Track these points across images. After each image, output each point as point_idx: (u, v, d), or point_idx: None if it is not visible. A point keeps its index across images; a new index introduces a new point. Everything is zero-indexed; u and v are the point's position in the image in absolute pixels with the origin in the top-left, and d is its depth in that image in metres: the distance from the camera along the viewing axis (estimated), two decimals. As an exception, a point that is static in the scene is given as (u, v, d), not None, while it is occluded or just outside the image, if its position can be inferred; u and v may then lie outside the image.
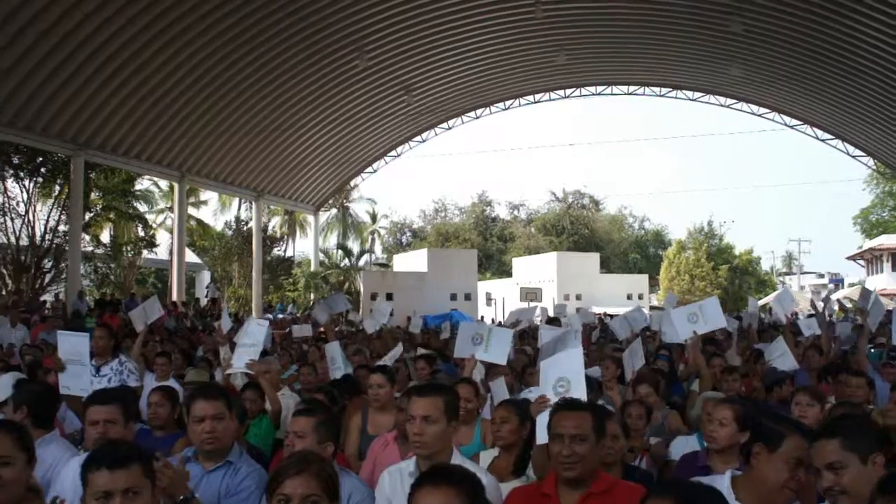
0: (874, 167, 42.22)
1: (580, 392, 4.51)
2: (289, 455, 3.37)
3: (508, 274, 58.55)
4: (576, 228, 71.16)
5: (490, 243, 72.72)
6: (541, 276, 49.22)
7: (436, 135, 41.73)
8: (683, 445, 5.60)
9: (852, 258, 59.73)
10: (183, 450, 4.46)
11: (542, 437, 4.55)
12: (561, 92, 39.78)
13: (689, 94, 38.45)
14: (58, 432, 5.18)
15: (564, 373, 4.69)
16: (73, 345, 6.28)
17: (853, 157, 39.06)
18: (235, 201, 47.21)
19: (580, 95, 40.48)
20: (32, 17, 20.88)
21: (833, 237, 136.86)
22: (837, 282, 65.30)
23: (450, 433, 3.89)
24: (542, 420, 4.56)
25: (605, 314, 28.69)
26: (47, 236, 30.73)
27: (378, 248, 63.17)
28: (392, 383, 6.44)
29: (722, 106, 38.66)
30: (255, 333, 8.13)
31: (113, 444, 3.13)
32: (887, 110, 31.65)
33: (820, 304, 19.95)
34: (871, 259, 54.14)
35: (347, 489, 3.69)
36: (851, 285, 59.08)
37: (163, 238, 40.49)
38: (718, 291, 56.23)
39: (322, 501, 2.84)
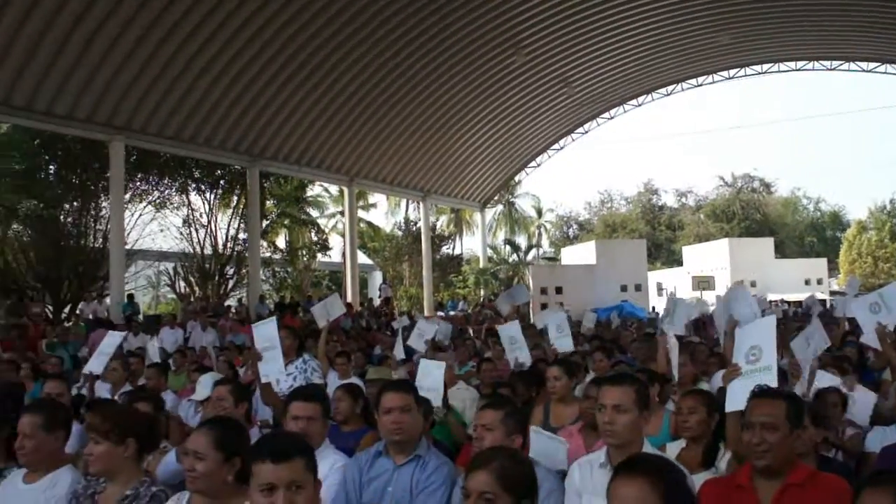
0: None
1: (771, 360, 4.41)
2: (478, 452, 3.39)
3: (679, 263, 57.31)
4: (747, 213, 68.97)
5: (658, 232, 71.39)
6: (712, 263, 47.91)
7: (598, 125, 41.33)
8: (882, 437, 5.36)
9: None
10: (372, 444, 4.58)
11: (731, 404, 4.46)
12: (725, 73, 38.58)
13: (863, 65, 36.55)
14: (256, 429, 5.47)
15: (756, 341, 4.58)
16: (264, 332, 6.50)
17: None
18: (404, 203, 48.10)
19: (745, 75, 39.05)
20: (205, 42, 22.13)
21: None
22: None
23: (640, 423, 3.85)
24: (733, 388, 4.47)
25: (782, 301, 27.66)
26: (228, 244, 32.24)
27: (545, 242, 63.04)
28: (569, 375, 6.42)
29: None
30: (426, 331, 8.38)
31: (277, 436, 3.23)
32: None
33: None
34: None
35: (538, 478, 3.71)
36: None
37: (335, 241, 41.76)
38: (906, 273, 53.38)
39: (499, 499, 2.82)
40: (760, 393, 3.76)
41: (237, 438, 3.51)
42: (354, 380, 8.66)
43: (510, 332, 9.07)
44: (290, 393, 5.00)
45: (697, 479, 4.13)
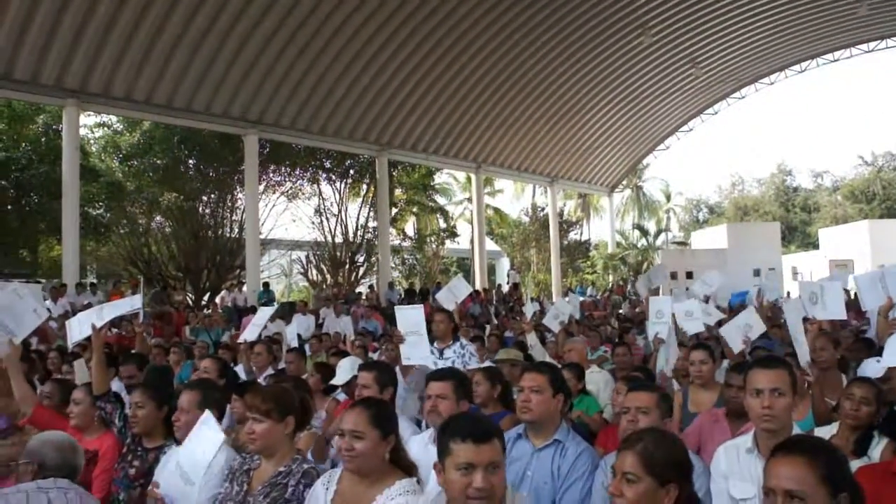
0: None
1: None
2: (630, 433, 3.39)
3: (815, 246, 55.41)
4: (888, 194, 66.09)
5: (793, 214, 69.18)
6: (851, 246, 46.12)
7: (728, 105, 40.42)
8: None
9: None
10: (510, 427, 4.62)
11: (890, 359, 4.31)
12: (864, 46, 36.94)
13: None
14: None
15: None
16: (409, 317, 6.59)
17: None
18: (529, 188, 47.99)
19: (886, 48, 37.27)
20: (332, 35, 22.65)
21: None
22: None
23: (792, 407, 3.78)
24: (891, 342, 4.33)
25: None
26: (358, 233, 32.85)
27: (674, 226, 61.88)
28: (713, 360, 6.32)
29: None
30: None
31: (476, 418, 3.26)
32: None
33: None
34: None
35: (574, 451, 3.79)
36: None
37: (463, 228, 42.05)
38: None
39: (639, 481, 2.85)
40: None
41: (392, 417, 3.61)
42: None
43: (659, 304, 8.69)
44: (429, 374, 5.10)
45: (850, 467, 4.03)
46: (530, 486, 3.96)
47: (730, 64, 35.25)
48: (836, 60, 37.90)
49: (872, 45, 36.81)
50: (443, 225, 39.22)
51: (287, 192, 32.30)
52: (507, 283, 34.87)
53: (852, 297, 12.15)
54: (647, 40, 29.03)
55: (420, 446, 4.51)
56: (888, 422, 4.31)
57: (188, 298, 26.79)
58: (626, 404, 4.11)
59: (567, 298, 19.98)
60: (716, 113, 40.78)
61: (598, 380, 7.94)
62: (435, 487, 3.81)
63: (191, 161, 29.80)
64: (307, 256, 33.75)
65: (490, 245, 42.49)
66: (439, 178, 41.32)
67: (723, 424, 4.94)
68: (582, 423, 6.52)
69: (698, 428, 5.11)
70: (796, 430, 3.81)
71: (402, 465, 3.54)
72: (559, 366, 7.55)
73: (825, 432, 4.79)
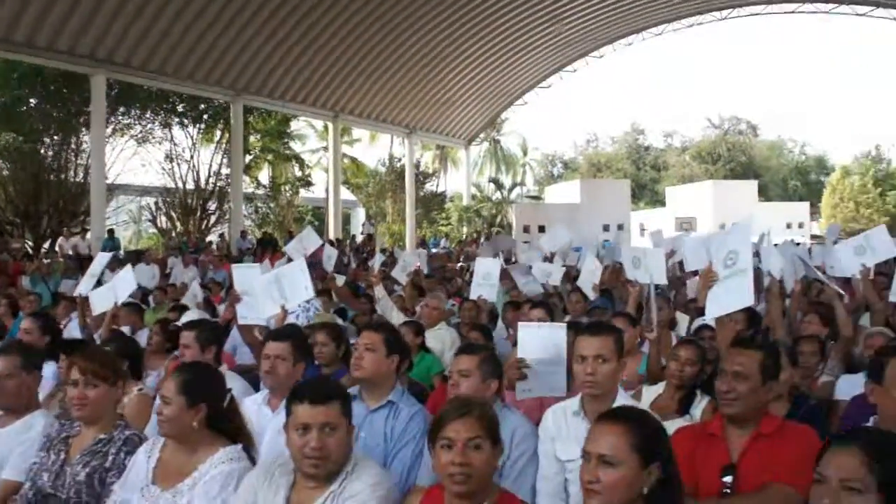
0: None
1: (747, 263, 4.47)
2: (451, 399, 3.41)
3: (662, 203, 57.36)
4: (732, 156, 68.90)
5: (643, 172, 71.35)
6: (696, 205, 47.97)
7: (586, 64, 41.08)
8: (850, 385, 5.38)
9: None
10: (348, 386, 4.59)
11: (711, 311, 4.50)
12: (716, 14, 38.16)
13: (858, 8, 36.06)
14: (226, 367, 5.44)
15: (734, 246, 4.61)
16: (246, 276, 6.45)
17: None
18: (387, 137, 47.81)
19: (737, 16, 38.64)
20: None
21: None
22: None
23: (619, 372, 3.86)
24: (713, 295, 4.52)
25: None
26: (211, 180, 32.11)
27: (530, 180, 62.98)
28: (552, 318, 6.40)
29: (893, 19, 36.14)
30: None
31: (317, 381, 3.33)
32: None
33: None
34: None
35: (511, 426, 3.71)
36: None
37: (319, 177, 41.58)
38: (886, 219, 53.49)
39: (484, 444, 2.90)
40: (737, 342, 3.79)
41: (205, 384, 3.52)
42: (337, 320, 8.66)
43: (487, 267, 8.69)
44: (266, 334, 5.02)
45: (672, 425, 4.15)
46: (363, 448, 3.93)
47: (591, 23, 35.66)
48: (690, 26, 39.06)
49: (724, 12, 38.00)
50: (298, 173, 38.65)
51: (137, 135, 31.18)
52: (362, 233, 34.81)
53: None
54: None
55: (253, 407, 4.43)
56: (709, 381, 4.47)
57: (27, 246, 25.60)
58: (453, 367, 4.11)
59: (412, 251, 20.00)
60: (574, 71, 41.41)
61: (444, 337, 7.77)
62: (272, 450, 3.77)
63: (32, 100, 28.31)
64: (156, 203, 32.82)
65: (346, 194, 42.19)
66: (296, 126, 40.68)
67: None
68: (426, 372, 6.53)
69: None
70: (622, 394, 3.89)
71: (229, 431, 3.48)
72: (406, 320, 7.60)
73: (653, 391, 4.96)
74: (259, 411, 4.41)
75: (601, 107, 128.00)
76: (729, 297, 4.54)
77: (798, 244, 22.80)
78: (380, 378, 4.15)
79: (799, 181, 70.64)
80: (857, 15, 36.42)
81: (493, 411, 3.14)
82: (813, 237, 44.96)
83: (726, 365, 3.58)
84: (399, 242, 39.00)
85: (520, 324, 4.81)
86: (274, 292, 6.02)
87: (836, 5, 36.30)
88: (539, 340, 4.53)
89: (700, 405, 4.63)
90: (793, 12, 37.77)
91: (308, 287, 6.07)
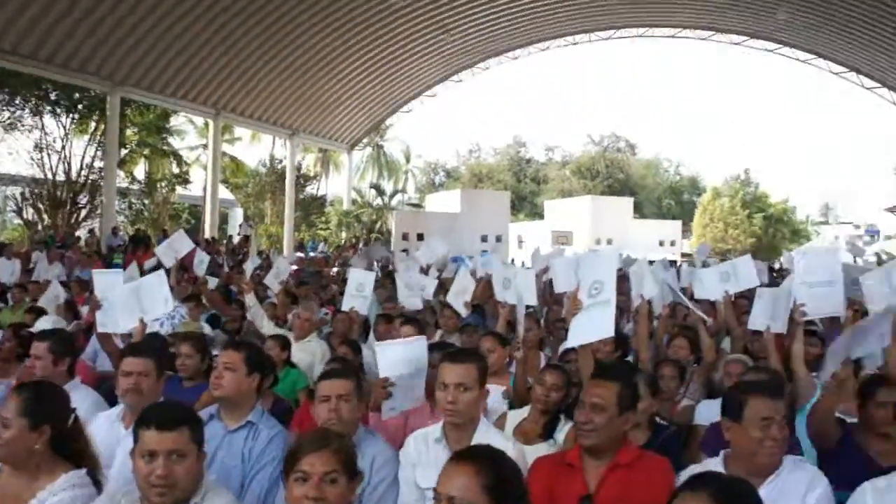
0: (919, 117, 41.33)
1: (611, 294, 4.52)
2: (307, 431, 3.31)
3: (541, 216, 58.29)
4: (610, 172, 70.62)
5: (523, 185, 72.45)
6: (573, 219, 48.92)
7: (473, 75, 41.36)
8: (709, 410, 5.51)
9: (890, 210, 58.76)
10: (207, 401, 4.46)
11: (573, 339, 4.55)
12: (602, 33, 39.03)
13: (733, 37, 37.61)
14: (79, 380, 5.18)
15: (599, 276, 4.66)
16: (108, 282, 6.24)
17: (899, 106, 38.06)
18: (268, 137, 47.16)
19: (621, 37, 39.70)
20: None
21: (872, 188, 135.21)
22: (874, 233, 64.32)
23: (480, 400, 3.86)
24: (576, 323, 4.56)
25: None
26: (83, 172, 31.03)
27: (411, 187, 63.06)
28: (423, 335, 6.35)
29: (766, 51, 37.85)
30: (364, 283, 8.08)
31: (166, 406, 3.19)
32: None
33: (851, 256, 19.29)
34: (910, 211, 53.25)
35: (371, 452, 3.67)
36: (888, 238, 58.26)
37: (196, 175, 40.66)
38: (752, 240, 55.80)
39: (340, 478, 2.83)
40: (598, 373, 3.84)
41: (49, 404, 3.34)
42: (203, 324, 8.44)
43: (361, 278, 8.49)
44: (123, 348, 4.84)
45: (535, 451, 4.20)
46: (220, 469, 3.82)
47: (478, 35, 35.95)
48: (575, 44, 39.78)
49: (609, 33, 38.96)
50: (175, 170, 37.70)
51: (4, 122, 29.88)
52: (239, 234, 34.20)
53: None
54: (400, 2, 29.11)
55: (105, 425, 4.26)
56: (573, 406, 4.51)
57: None
58: (323, 392, 3.99)
59: (287, 255, 19.66)
60: (460, 81, 41.61)
61: (314, 349, 7.64)
62: (123, 472, 3.61)
63: None
64: (23, 193, 31.52)
65: (224, 194, 41.37)
66: (175, 121, 39.68)
67: (425, 407, 4.95)
68: (292, 387, 6.42)
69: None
70: (483, 424, 3.88)
71: (74, 455, 3.30)
72: (273, 333, 7.44)
73: (517, 415, 4.96)
74: (112, 428, 4.23)
75: (485, 118, 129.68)
76: (591, 327, 4.59)
77: (673, 262, 23.41)
78: (239, 398, 4.06)
79: (673, 200, 72.86)
80: (733, 44, 37.89)
81: (351, 444, 3.09)
82: (683, 255, 46.46)
83: (584, 396, 3.63)
84: (277, 245, 38.52)
85: (377, 345, 4.85)
86: (133, 304, 5.81)
87: (712, 33, 37.70)
88: (399, 357, 4.53)
89: (564, 429, 4.66)
90: (672, 37, 38.99)
91: (168, 300, 5.91)
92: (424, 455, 3.78)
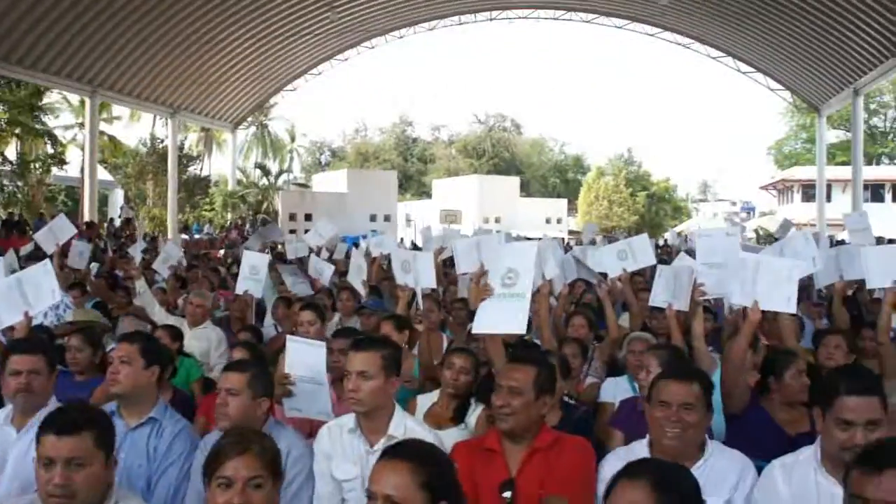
0: (791, 101, 42.91)
1: (526, 287, 4.43)
2: (228, 432, 3.11)
3: (428, 195, 58.50)
4: (497, 151, 71.30)
5: (410, 164, 72.55)
6: (461, 198, 49.25)
7: (358, 54, 41.08)
8: (614, 387, 5.57)
9: (765, 188, 61.13)
10: (102, 396, 4.24)
11: (479, 325, 4.47)
12: (487, 14, 39.25)
13: (617, 21, 38.34)
14: None
15: (514, 265, 4.55)
16: None
17: (772, 90, 39.47)
18: (148, 116, 45.83)
19: (506, 18, 39.95)
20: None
21: (747, 167, 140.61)
22: (749, 209, 66.82)
23: (389, 389, 3.73)
24: (483, 309, 4.48)
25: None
26: (-51, 153, 29.57)
27: (297, 167, 62.39)
28: (322, 319, 6.21)
29: (648, 35, 38.74)
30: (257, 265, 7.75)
31: (67, 409, 2.95)
32: (809, 47, 31.91)
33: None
34: (783, 189, 55.43)
35: (285, 444, 3.51)
36: (763, 214, 60.59)
37: (73, 155, 39.15)
38: (635, 218, 57.21)
39: (266, 482, 2.73)
40: (513, 358, 3.78)
41: None
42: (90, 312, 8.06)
43: (254, 260, 8.15)
44: (9, 345, 4.53)
45: (447, 435, 4.14)
46: (122, 468, 3.61)
47: (364, 13, 35.60)
48: (461, 24, 39.90)
49: (495, 13, 39.18)
50: (50, 150, 36.21)
51: None
52: (120, 217, 33.18)
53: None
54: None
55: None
56: (483, 389, 4.45)
57: None
58: (221, 385, 3.81)
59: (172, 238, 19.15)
60: (346, 59, 41.31)
61: (209, 335, 7.39)
62: (16, 478, 3.38)
63: None
64: None
65: (103, 175, 39.99)
66: (49, 99, 38.08)
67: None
68: (185, 379, 6.17)
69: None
70: (398, 412, 3.78)
71: None
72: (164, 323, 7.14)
73: (427, 399, 4.87)
74: (1, 432, 3.95)
75: (371, 97, 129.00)
76: (502, 318, 4.46)
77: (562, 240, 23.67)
78: (139, 392, 3.85)
79: (558, 179, 74.03)
80: (616, 27, 38.63)
81: (274, 444, 2.95)
82: (570, 233, 47.31)
83: (501, 380, 3.58)
84: (160, 227, 37.53)
85: (288, 338, 4.69)
86: (16, 297, 5.42)
87: (596, 16, 38.38)
88: (304, 357, 4.41)
89: (475, 413, 4.61)
90: (556, 19, 39.42)
91: (55, 291, 5.53)
92: (339, 446, 3.68)
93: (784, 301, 4.57)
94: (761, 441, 3.96)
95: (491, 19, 39.63)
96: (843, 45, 29.70)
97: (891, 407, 3.20)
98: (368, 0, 34.19)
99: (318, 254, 12.89)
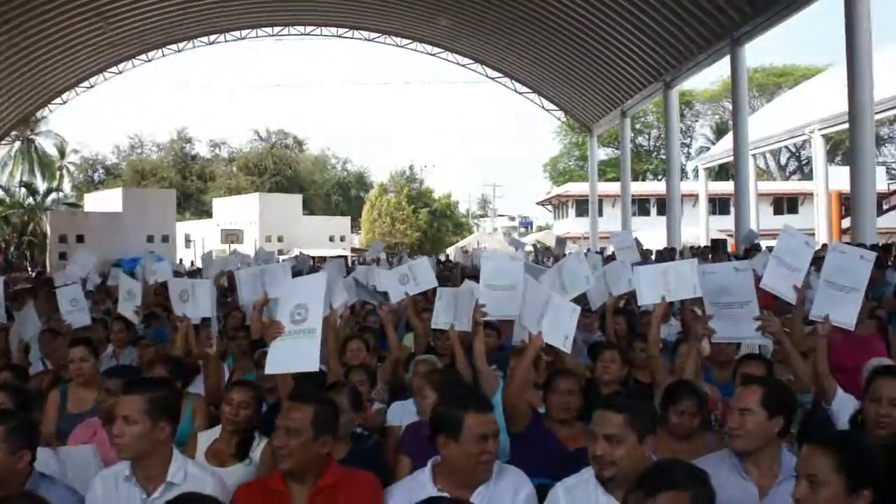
0: (564, 120, 44.93)
1: (317, 322, 4.32)
2: None
3: (209, 214, 57.20)
4: (279, 168, 70.56)
5: (189, 182, 70.67)
6: (242, 217, 48.48)
7: (133, 66, 39.66)
8: (401, 411, 5.56)
9: (541, 203, 63.53)
10: None
11: (273, 367, 4.35)
12: (269, 30, 39.00)
13: (398, 40, 39.12)
14: None
15: (303, 299, 4.43)
16: None
17: (547, 110, 41.40)
18: None
19: (289, 35, 39.83)
20: None
21: (524, 184, 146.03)
22: (527, 224, 69.21)
23: (157, 434, 3.53)
24: (275, 349, 4.36)
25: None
26: None
27: (67, 185, 59.32)
28: (96, 355, 5.86)
29: (429, 55, 39.68)
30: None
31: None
32: (580, 70, 33.62)
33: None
34: (558, 204, 57.72)
35: (53, 501, 3.26)
36: (540, 228, 63.02)
37: None
38: (418, 234, 58.10)
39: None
40: (294, 395, 3.70)
41: None
42: None
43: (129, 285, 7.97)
44: None
45: (231, 473, 4.04)
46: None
47: (140, 25, 34.37)
48: (243, 38, 39.50)
49: (277, 29, 39.10)
50: None
51: None
52: None
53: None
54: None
55: None
56: (266, 421, 4.36)
57: None
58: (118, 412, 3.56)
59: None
60: (120, 72, 39.79)
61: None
62: None
63: None
64: None
65: None
66: None
67: (101, 436, 4.56)
68: None
69: (78, 441, 4.70)
70: (177, 458, 3.62)
71: None
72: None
73: (208, 435, 4.70)
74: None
75: (148, 112, 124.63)
76: (293, 356, 4.37)
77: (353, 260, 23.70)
78: None
79: (341, 196, 74.09)
80: (398, 46, 39.34)
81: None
82: (354, 250, 47.47)
83: (279, 420, 3.50)
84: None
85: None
86: None
87: (378, 35, 38.89)
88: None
89: (259, 447, 4.47)
90: (340, 37, 39.73)
91: None
92: (114, 497, 3.48)
93: (561, 339, 4.72)
94: (543, 458, 4.04)
95: (273, 35, 39.35)
96: (611, 68, 31.52)
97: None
98: (144, 11, 33.01)
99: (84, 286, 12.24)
